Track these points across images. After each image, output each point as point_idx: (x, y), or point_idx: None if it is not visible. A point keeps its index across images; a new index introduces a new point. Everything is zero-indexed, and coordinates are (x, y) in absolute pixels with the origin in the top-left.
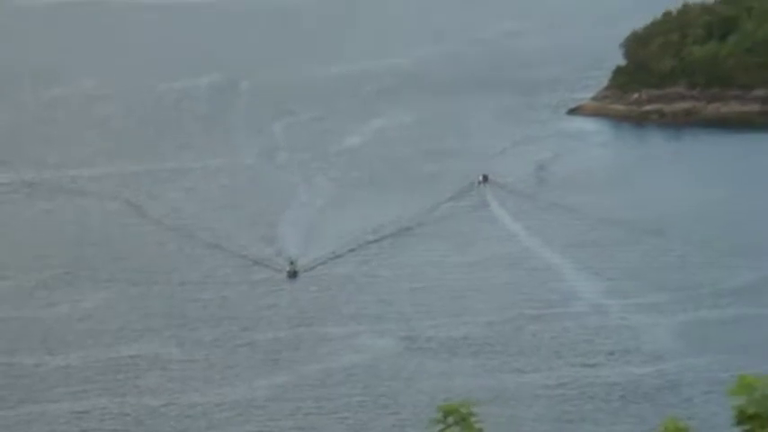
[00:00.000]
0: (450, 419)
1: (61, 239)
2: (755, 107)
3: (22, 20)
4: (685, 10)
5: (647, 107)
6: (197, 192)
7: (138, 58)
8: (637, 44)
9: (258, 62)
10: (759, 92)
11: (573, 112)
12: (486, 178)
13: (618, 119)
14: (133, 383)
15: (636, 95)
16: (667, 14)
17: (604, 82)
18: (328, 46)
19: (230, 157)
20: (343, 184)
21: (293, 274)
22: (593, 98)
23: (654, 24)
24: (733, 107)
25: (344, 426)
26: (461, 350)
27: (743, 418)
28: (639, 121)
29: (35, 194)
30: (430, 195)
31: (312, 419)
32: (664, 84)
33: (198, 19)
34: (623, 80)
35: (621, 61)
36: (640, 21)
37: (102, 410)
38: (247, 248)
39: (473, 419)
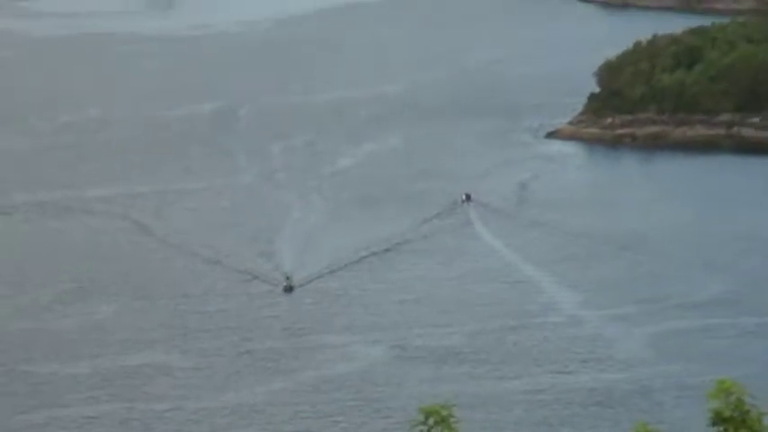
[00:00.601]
0: (431, 421)
1: (72, 256)
2: (720, 131)
3: (34, 50)
4: (654, 40)
5: (620, 131)
6: (199, 211)
7: (143, 86)
8: (610, 72)
9: (257, 90)
10: (723, 117)
11: (551, 135)
12: (469, 197)
13: (592, 142)
14: (140, 390)
15: (609, 120)
16: (638, 45)
17: (580, 108)
18: (323, 74)
19: (230, 178)
20: (336, 204)
21: (289, 289)
22: (570, 122)
23: (625, 54)
24: (699, 131)
25: (339, 428)
26: (448, 358)
27: (718, 419)
28: (613, 144)
29: (47, 214)
30: (417, 213)
31: (308, 423)
32: (635, 109)
33: (199, 50)
34: (597, 106)
35: (596, 88)
36: (613, 51)
37: (112, 415)
38: (246, 264)
39: (452, 421)
